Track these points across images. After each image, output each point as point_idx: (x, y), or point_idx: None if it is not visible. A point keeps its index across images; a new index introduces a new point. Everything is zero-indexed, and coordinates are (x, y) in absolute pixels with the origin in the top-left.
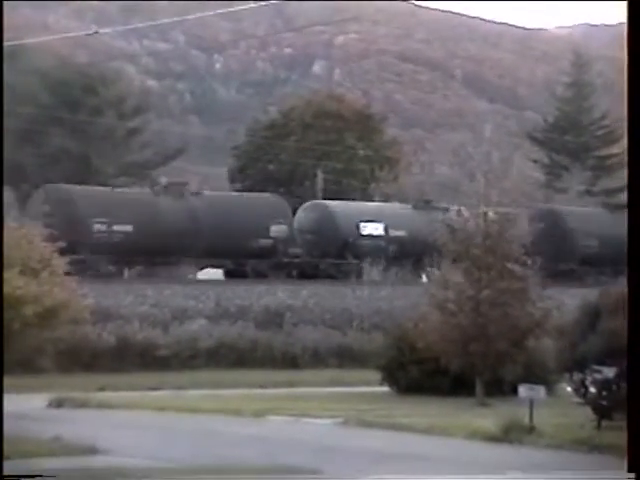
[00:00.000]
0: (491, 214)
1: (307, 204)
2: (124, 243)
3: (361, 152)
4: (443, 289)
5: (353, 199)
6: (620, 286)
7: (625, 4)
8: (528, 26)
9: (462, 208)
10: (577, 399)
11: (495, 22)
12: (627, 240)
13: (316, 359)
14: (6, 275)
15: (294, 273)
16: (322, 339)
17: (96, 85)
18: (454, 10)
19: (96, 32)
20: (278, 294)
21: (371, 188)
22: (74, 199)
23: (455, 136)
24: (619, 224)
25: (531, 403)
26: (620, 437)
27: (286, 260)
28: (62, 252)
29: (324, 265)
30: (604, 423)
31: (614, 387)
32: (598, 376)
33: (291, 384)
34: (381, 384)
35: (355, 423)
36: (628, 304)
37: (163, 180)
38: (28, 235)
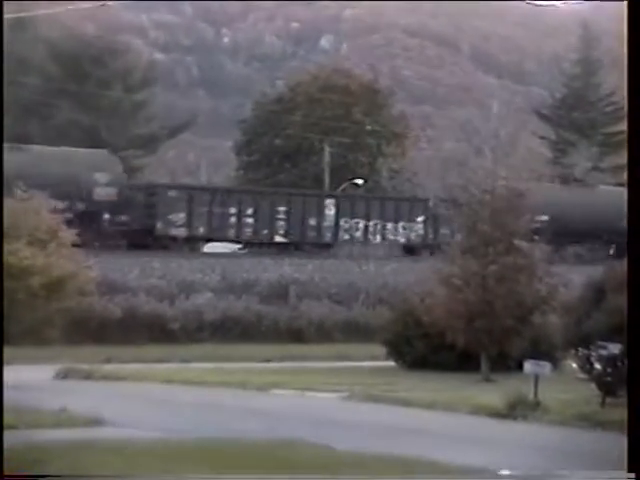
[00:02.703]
0: (499, 189)
1: None
2: None
3: (368, 127)
4: (449, 264)
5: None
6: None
7: None
8: (537, 1)
9: (469, 183)
10: (582, 375)
11: None
12: (627, 220)
13: (321, 333)
14: (14, 246)
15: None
16: (328, 313)
17: (104, 57)
18: None
19: (104, 3)
20: (284, 268)
21: (378, 163)
22: None
23: (462, 112)
24: None
25: (536, 379)
26: (624, 414)
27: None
28: None
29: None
30: (608, 399)
31: (619, 363)
32: (603, 352)
33: (296, 358)
34: (386, 359)
35: (360, 397)
36: (628, 300)
37: None
38: (36, 206)
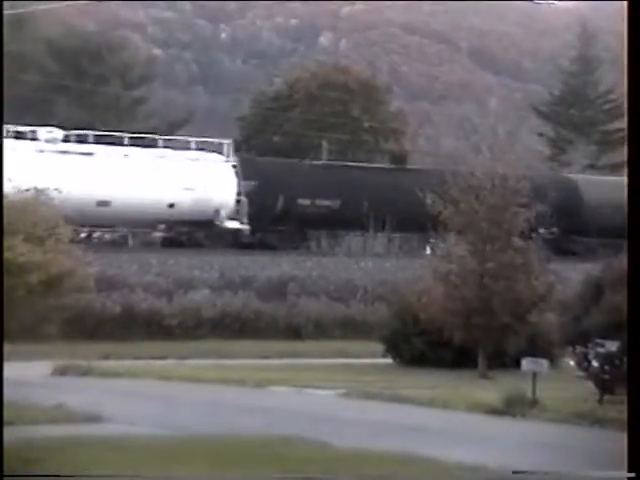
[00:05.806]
0: (496, 187)
1: None
2: None
3: (366, 124)
4: (447, 262)
5: None
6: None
7: None
8: None
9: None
10: (580, 373)
11: None
12: (627, 215)
13: (319, 330)
14: (11, 242)
15: None
16: (326, 310)
17: (102, 53)
18: None
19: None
20: (282, 265)
21: (376, 160)
22: None
23: (460, 109)
24: None
25: (534, 376)
26: (622, 411)
27: None
28: None
29: None
30: (606, 397)
31: (616, 361)
32: (601, 350)
33: (294, 355)
34: (384, 356)
35: (358, 395)
36: (628, 299)
37: None
38: (34, 202)
